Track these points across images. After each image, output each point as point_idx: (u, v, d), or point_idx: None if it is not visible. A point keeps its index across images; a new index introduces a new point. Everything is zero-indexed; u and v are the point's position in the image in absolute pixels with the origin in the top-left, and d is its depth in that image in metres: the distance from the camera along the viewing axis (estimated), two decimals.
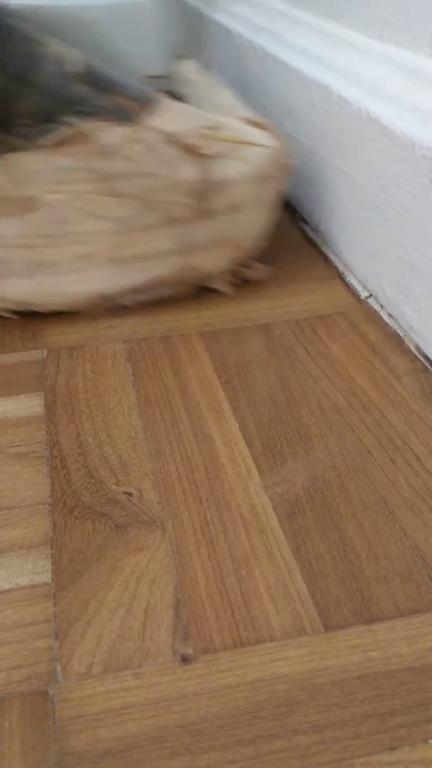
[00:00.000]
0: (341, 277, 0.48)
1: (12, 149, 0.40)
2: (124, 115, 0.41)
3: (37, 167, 0.40)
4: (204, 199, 0.42)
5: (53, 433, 0.34)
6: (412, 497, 0.30)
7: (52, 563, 0.27)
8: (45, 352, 0.40)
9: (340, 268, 0.48)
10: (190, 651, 0.24)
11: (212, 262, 0.44)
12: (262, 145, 0.43)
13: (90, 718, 0.22)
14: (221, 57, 0.74)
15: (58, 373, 0.39)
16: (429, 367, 0.38)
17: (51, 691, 0.23)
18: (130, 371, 0.39)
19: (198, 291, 0.46)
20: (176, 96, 0.46)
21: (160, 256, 0.43)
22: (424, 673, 0.23)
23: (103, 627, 0.25)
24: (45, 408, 0.36)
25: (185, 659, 0.24)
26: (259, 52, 0.61)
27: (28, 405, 0.36)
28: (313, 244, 0.52)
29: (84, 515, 0.30)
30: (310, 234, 0.53)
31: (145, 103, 0.42)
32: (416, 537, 0.28)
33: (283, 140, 0.44)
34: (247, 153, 0.42)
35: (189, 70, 0.60)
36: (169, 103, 0.43)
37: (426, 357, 0.39)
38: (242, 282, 0.46)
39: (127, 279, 0.43)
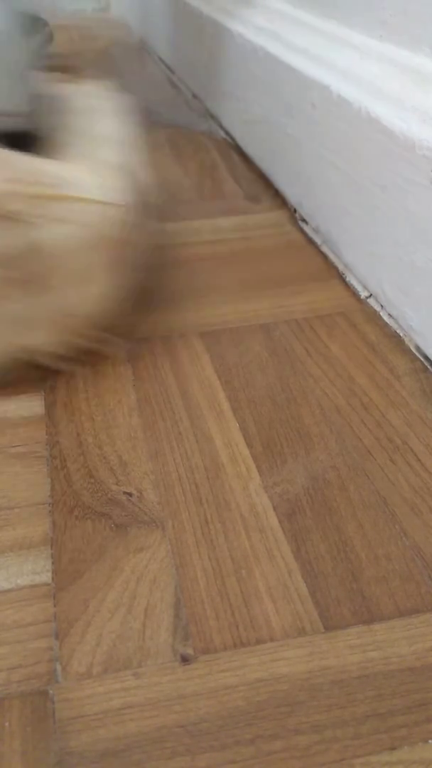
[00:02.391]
0: (341, 277, 0.48)
1: None
2: None
3: None
4: (27, 271, 0.34)
5: (53, 433, 0.34)
6: (412, 497, 0.30)
7: (52, 563, 0.27)
8: None
9: (340, 268, 0.48)
10: (190, 651, 0.24)
11: (44, 339, 0.36)
12: (101, 202, 0.35)
13: (90, 718, 0.22)
14: (221, 57, 0.74)
15: (58, 373, 0.38)
16: (429, 367, 0.38)
17: (51, 691, 0.23)
18: (130, 371, 0.39)
19: (198, 293, 0.46)
20: (33, 131, 0.39)
21: None
22: (424, 673, 0.23)
23: (103, 627, 0.25)
24: (45, 408, 0.36)
25: (185, 659, 0.24)
26: (259, 52, 0.61)
27: (28, 405, 0.36)
28: (313, 244, 0.52)
29: (84, 515, 0.30)
30: (310, 234, 0.53)
31: None
32: (416, 537, 0.28)
33: (141, 193, 0.37)
34: (78, 213, 0.34)
35: (86, 94, 0.48)
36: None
37: (426, 357, 0.39)
38: (91, 356, 0.39)
39: None
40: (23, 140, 0.38)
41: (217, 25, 0.75)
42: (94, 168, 0.36)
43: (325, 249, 0.51)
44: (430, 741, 0.22)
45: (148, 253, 0.36)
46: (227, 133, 0.76)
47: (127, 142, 0.42)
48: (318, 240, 0.52)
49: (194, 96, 0.92)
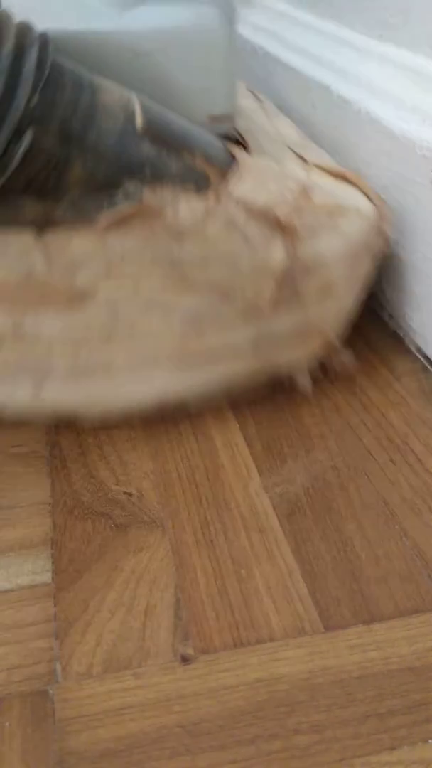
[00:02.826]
0: None
1: (56, 226, 0.31)
2: (199, 182, 0.32)
3: (88, 250, 0.31)
4: (291, 285, 0.33)
5: (53, 433, 0.34)
6: (412, 497, 0.30)
7: (52, 563, 0.27)
8: None
9: None
10: (190, 651, 0.24)
11: (296, 355, 0.35)
12: (358, 211, 0.34)
13: (90, 718, 0.22)
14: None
15: None
16: (429, 367, 0.38)
17: (51, 691, 0.23)
18: None
19: None
20: (237, 135, 0.38)
21: (235, 351, 0.34)
22: (424, 673, 0.23)
23: (103, 627, 0.25)
24: None
25: (185, 659, 0.24)
26: (259, 52, 0.61)
27: None
28: None
29: (84, 515, 0.30)
30: None
31: (224, 164, 0.33)
32: (416, 537, 0.28)
33: (380, 201, 0.36)
34: (342, 223, 0.33)
35: (239, 94, 0.45)
36: (248, 161, 0.34)
37: (426, 357, 0.39)
38: (325, 375, 0.37)
39: (193, 381, 0.34)
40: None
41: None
42: (330, 173, 0.36)
43: None
44: (430, 741, 0.22)
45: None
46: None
47: (310, 143, 0.41)
48: None
49: None
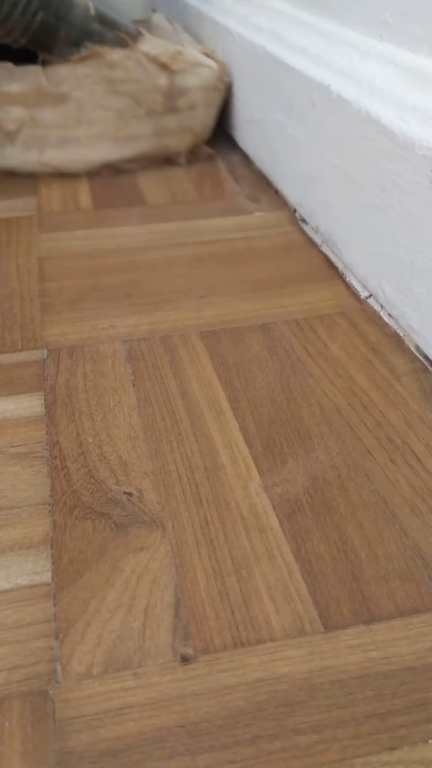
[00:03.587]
0: (341, 277, 0.48)
1: (53, 63, 0.64)
2: (122, 44, 0.66)
3: (67, 74, 0.63)
4: (172, 99, 0.66)
5: (53, 433, 0.34)
6: (412, 497, 0.30)
7: (52, 563, 0.27)
8: (45, 352, 0.40)
9: (340, 268, 0.48)
10: (190, 651, 0.24)
11: (178, 143, 0.69)
12: (209, 66, 0.67)
13: (90, 718, 0.22)
14: (220, 55, 0.74)
15: (58, 373, 0.39)
16: (429, 367, 0.38)
17: (51, 691, 0.23)
18: (130, 371, 0.39)
19: (198, 292, 0.46)
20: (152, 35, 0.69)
21: (144, 137, 0.67)
22: (424, 673, 0.23)
23: (103, 627, 0.25)
24: (45, 408, 0.36)
25: (185, 659, 0.24)
26: (259, 52, 0.61)
27: (28, 405, 0.36)
28: (313, 244, 0.52)
29: (84, 515, 0.30)
30: (310, 234, 0.53)
31: (135, 36, 0.68)
32: (416, 537, 0.28)
33: (222, 64, 0.69)
34: (200, 70, 0.67)
35: (159, 19, 0.87)
36: (149, 36, 0.68)
37: (426, 357, 0.39)
38: (195, 158, 0.70)
39: (123, 151, 0.67)
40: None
41: (216, 25, 0.75)
42: (199, 51, 0.69)
43: (325, 249, 0.51)
44: (430, 741, 0.22)
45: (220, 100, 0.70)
46: (227, 133, 0.76)
47: (199, 45, 0.75)
48: (318, 240, 0.52)
49: None
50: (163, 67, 0.64)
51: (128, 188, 0.65)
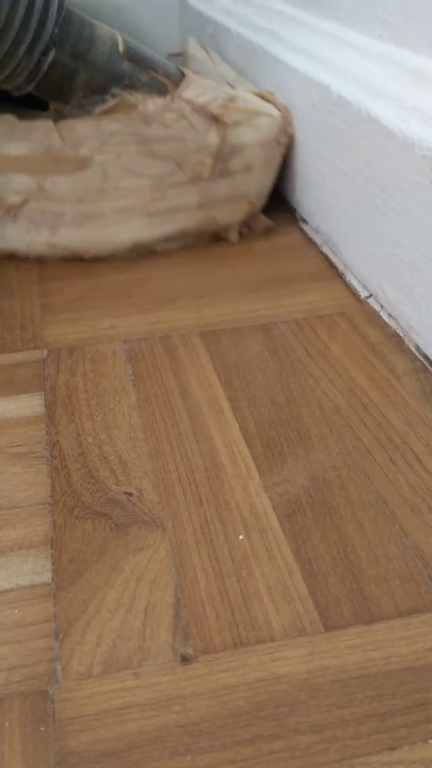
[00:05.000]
0: (341, 277, 0.48)
1: (68, 117, 0.48)
2: (159, 89, 0.50)
3: (88, 131, 0.47)
4: (223, 161, 0.50)
5: (53, 433, 0.34)
6: (412, 497, 0.30)
7: (52, 563, 0.27)
8: (45, 352, 0.40)
9: (340, 268, 0.48)
10: (190, 651, 0.24)
11: (229, 214, 0.53)
12: (270, 115, 0.51)
13: (90, 718, 0.22)
14: (220, 55, 0.74)
15: (58, 373, 0.39)
16: (429, 367, 0.38)
17: (51, 691, 0.23)
18: (130, 371, 0.39)
19: (198, 293, 0.46)
20: (186, 70, 0.54)
21: (187, 209, 0.51)
22: (424, 673, 0.23)
23: (103, 627, 0.25)
24: (45, 408, 0.36)
25: (185, 659, 0.24)
26: (259, 52, 0.61)
27: (28, 405, 0.36)
28: (313, 244, 0.52)
29: (84, 515, 0.30)
30: (311, 234, 0.53)
31: (175, 78, 0.51)
32: (416, 537, 0.28)
33: (285, 111, 0.53)
34: (258, 121, 0.51)
35: (194, 49, 0.71)
36: (194, 77, 0.51)
37: (426, 357, 0.39)
38: (250, 232, 0.55)
39: (159, 229, 0.51)
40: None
41: (216, 25, 0.75)
42: (252, 92, 0.53)
43: (325, 249, 0.51)
44: (430, 741, 0.22)
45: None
46: None
47: (244, 80, 0.60)
48: (318, 240, 0.52)
49: None
50: (214, 119, 0.49)
51: None
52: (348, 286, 0.47)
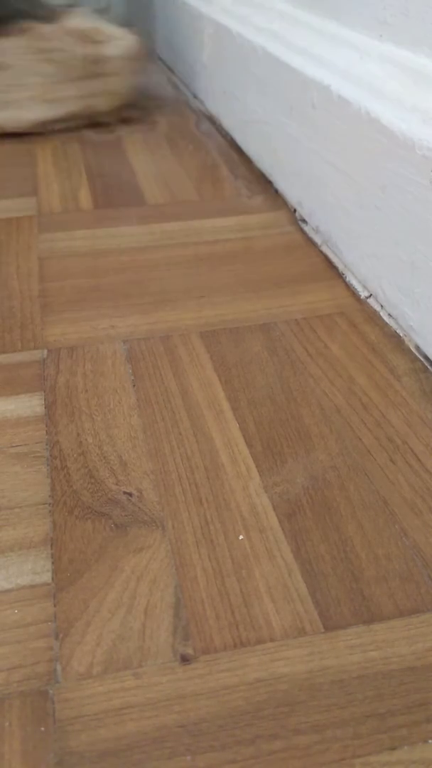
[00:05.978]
0: (341, 277, 0.48)
1: None
2: (51, 20, 0.79)
3: (7, 45, 0.76)
4: (96, 66, 0.78)
5: (53, 433, 0.34)
6: (412, 497, 0.30)
7: (52, 563, 0.28)
8: (45, 352, 0.40)
9: (340, 268, 0.48)
10: (190, 651, 0.24)
11: (103, 103, 0.81)
12: (126, 39, 0.80)
13: (90, 718, 0.22)
14: (221, 56, 0.74)
15: (58, 373, 0.39)
16: (429, 367, 0.38)
17: (51, 691, 0.23)
18: (130, 371, 0.39)
19: (198, 292, 0.46)
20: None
21: (73, 99, 0.79)
22: (424, 673, 0.23)
23: (103, 627, 0.25)
24: (45, 408, 0.36)
25: (185, 659, 0.24)
26: (259, 52, 0.61)
27: (28, 405, 0.36)
28: (313, 244, 0.52)
29: (84, 515, 0.30)
30: (310, 234, 0.53)
31: (59, 14, 0.81)
32: (416, 537, 0.28)
33: (140, 40, 0.81)
34: (119, 42, 0.80)
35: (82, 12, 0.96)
36: (73, 13, 0.81)
37: (426, 357, 0.39)
38: (122, 119, 0.83)
39: (53, 112, 0.79)
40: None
41: (217, 25, 0.75)
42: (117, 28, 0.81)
43: (325, 249, 0.51)
44: (430, 741, 0.22)
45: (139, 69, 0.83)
46: (227, 133, 0.76)
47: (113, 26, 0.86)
48: (318, 240, 0.52)
49: (195, 96, 0.92)
50: (88, 38, 0.78)
51: (128, 188, 0.65)
52: (348, 286, 0.47)
